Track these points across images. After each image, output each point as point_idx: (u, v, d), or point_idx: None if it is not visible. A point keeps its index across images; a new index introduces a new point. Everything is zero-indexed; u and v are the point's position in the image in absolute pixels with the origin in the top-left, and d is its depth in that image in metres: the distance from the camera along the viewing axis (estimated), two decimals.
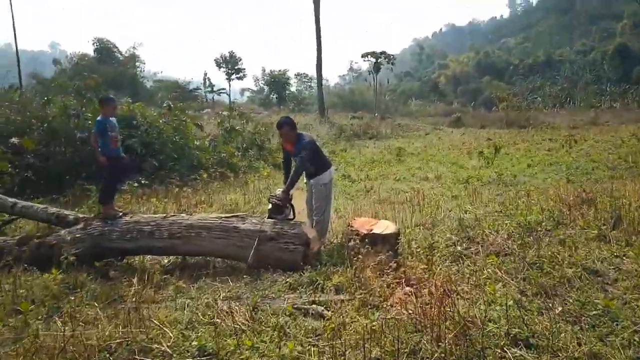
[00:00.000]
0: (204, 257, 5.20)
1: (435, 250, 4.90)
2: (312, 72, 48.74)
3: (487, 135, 27.79)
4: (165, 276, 4.64)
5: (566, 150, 17.93)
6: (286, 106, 48.96)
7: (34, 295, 4.14)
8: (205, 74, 55.18)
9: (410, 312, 3.27)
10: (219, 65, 56.60)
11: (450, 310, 3.11)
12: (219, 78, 59.49)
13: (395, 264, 4.10)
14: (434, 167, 15.20)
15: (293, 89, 57.62)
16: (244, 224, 4.87)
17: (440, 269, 4.18)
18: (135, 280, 4.56)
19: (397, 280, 3.89)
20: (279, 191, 5.26)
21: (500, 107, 42.25)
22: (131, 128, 11.88)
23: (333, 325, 3.11)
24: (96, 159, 5.38)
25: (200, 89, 54.43)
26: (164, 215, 5.18)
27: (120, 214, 5.32)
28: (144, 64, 51.01)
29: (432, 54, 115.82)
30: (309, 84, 69.67)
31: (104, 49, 54.35)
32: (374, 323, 3.00)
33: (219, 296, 4.08)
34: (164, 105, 13.31)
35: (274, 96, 52.73)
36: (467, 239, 5.59)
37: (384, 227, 4.47)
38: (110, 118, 5.49)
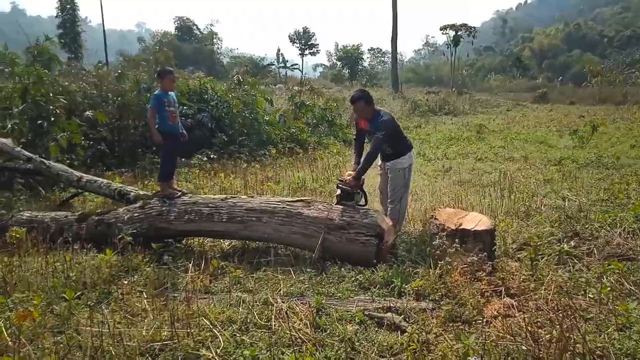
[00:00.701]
0: (266, 243, 4.72)
1: (538, 249, 4.08)
2: (386, 47, 47.17)
3: (577, 111, 25.38)
4: (223, 263, 4.21)
5: None
6: (358, 81, 47.82)
7: (85, 277, 3.86)
8: (279, 50, 55.31)
9: (515, 334, 2.55)
10: (292, 41, 56.44)
11: (573, 338, 2.36)
12: (292, 54, 59.43)
13: (490, 267, 3.35)
14: (520, 146, 13.84)
15: (366, 64, 56.19)
16: (309, 209, 4.30)
17: (548, 275, 3.37)
18: (190, 266, 4.18)
19: (493, 289, 3.16)
20: (348, 175, 4.64)
21: (594, 82, 38.57)
22: (202, 102, 11.73)
23: (415, 346, 2.46)
24: (153, 136, 5.00)
25: (274, 64, 54.61)
26: (225, 196, 4.73)
27: (179, 193, 4.95)
28: (222, 40, 51.99)
29: (516, 27, 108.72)
30: (382, 59, 67.79)
31: (184, 27, 56.07)
32: (467, 348, 2.33)
33: (279, 291, 3.57)
34: (233, 78, 13.01)
35: (346, 71, 51.70)
36: (573, 235, 4.67)
37: (476, 221, 3.70)
38: (169, 92, 5.08)
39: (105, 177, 8.39)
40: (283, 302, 3.34)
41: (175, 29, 55.15)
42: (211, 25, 55.46)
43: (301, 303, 3.33)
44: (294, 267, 4.06)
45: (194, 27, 57.36)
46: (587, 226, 4.97)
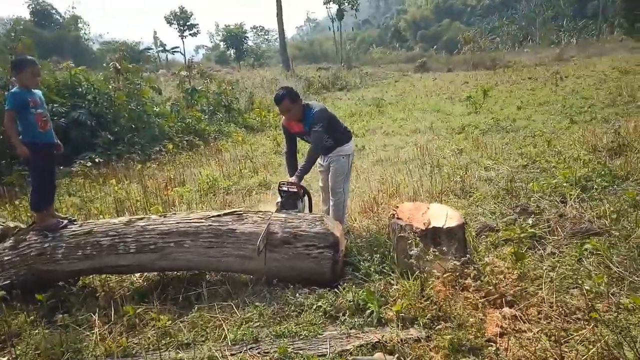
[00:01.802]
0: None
1: (500, 235, 3.72)
2: (268, 25, 46.08)
3: (459, 78, 26.78)
4: (139, 307, 3.27)
5: (550, 88, 17.08)
6: (245, 61, 46.23)
7: None
8: (155, 33, 51.37)
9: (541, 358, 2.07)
10: (169, 22, 52.63)
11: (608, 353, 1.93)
12: (171, 36, 55.74)
13: (474, 271, 2.86)
14: (420, 116, 13.98)
15: (250, 43, 54.45)
16: (242, 224, 3.49)
17: (534, 269, 2.98)
18: (96, 318, 3.19)
19: (485, 298, 2.68)
20: (290, 178, 3.95)
21: (467, 49, 41.19)
22: (76, 97, 10.00)
23: None
24: (17, 150, 3.66)
25: (152, 48, 50.66)
26: (128, 218, 3.71)
27: (64, 222, 3.80)
28: (88, 25, 46.98)
29: (390, 0, 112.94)
30: (266, 37, 66.50)
31: (41, 11, 49.75)
32: None
33: (225, 340, 2.77)
34: (109, 65, 11.29)
35: (232, 52, 49.70)
36: (521, 211, 4.42)
37: (443, 215, 3.19)
38: (33, 90, 3.81)
39: None
40: (234, 356, 2.56)
41: (30, 14, 48.58)
42: (73, 7, 49.78)
43: (258, 353, 2.58)
44: (234, 300, 3.25)
45: (53, 11, 51.02)
46: (530, 199, 4.78)
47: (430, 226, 3.05)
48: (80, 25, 53.38)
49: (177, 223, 3.56)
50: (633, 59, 23.20)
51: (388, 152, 9.02)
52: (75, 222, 3.85)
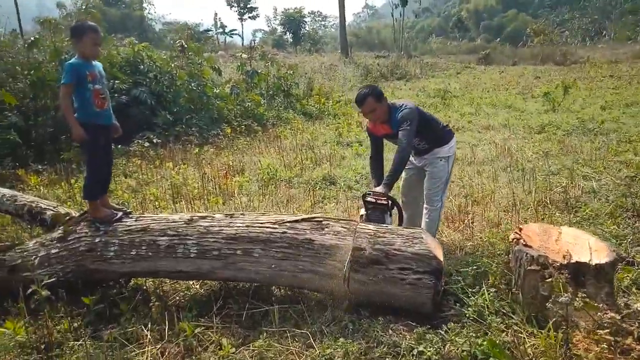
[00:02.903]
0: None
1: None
2: (326, 11, 45.25)
3: (529, 72, 25.12)
4: (197, 323, 2.77)
5: (637, 88, 15.55)
6: (302, 46, 45.66)
7: None
8: (216, 15, 51.76)
9: None
10: (230, 4, 52.82)
11: None
12: (230, 19, 56.04)
13: (637, 324, 2.15)
14: (491, 112, 12.96)
15: (308, 28, 53.76)
16: (322, 234, 2.90)
17: None
18: (147, 333, 2.71)
19: None
20: (376, 188, 3.33)
21: (537, 42, 38.80)
22: (137, 74, 9.75)
23: None
24: (72, 130, 3.17)
25: (212, 30, 51.02)
26: (190, 216, 3.20)
27: (119, 214, 3.35)
28: (153, 5, 47.98)
29: None
30: (323, 23, 65.67)
31: None
32: None
33: None
34: (176, 44, 10.98)
35: (289, 36, 49.29)
36: None
37: (585, 246, 2.45)
38: (93, 62, 3.31)
39: (15, 178, 6.56)
40: None
41: None
42: None
43: None
44: (309, 326, 2.69)
45: None
46: None
47: (573, 260, 2.34)
48: (145, 5, 54.63)
49: (247, 227, 3.00)
50: None
51: (461, 150, 8.20)
52: (130, 215, 3.38)
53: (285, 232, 2.93)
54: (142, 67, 9.94)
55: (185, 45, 10.48)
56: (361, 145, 8.63)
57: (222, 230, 3.02)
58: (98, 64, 3.36)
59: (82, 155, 4.09)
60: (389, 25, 51.53)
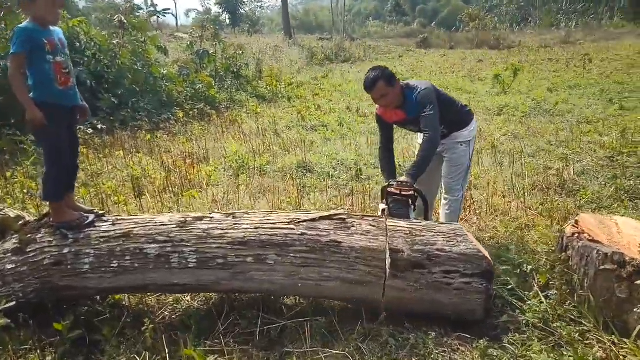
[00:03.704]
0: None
1: None
2: None
3: (472, 56, 25.71)
4: (205, 349, 2.28)
5: (575, 71, 16.23)
6: (241, 27, 44.08)
7: None
8: None
9: None
10: None
11: None
12: None
13: None
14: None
15: (247, 8, 51.97)
16: (349, 234, 2.48)
17: None
18: None
19: None
20: (401, 178, 2.91)
21: (472, 27, 39.88)
22: (74, 53, 8.68)
23: None
24: (27, 111, 2.49)
25: (143, 8, 47.99)
26: (183, 218, 2.64)
27: (90, 216, 2.72)
28: None
29: None
30: (259, 4, 63.97)
31: None
32: None
33: None
34: (114, 19, 9.87)
35: (227, 17, 47.46)
36: None
37: None
38: (51, 28, 2.63)
39: None
40: None
41: None
42: None
43: None
44: (343, 345, 2.27)
45: None
46: None
47: None
48: None
49: (256, 229, 2.52)
50: None
51: None
52: (105, 218, 2.78)
53: (304, 234, 2.48)
54: (78, 44, 8.88)
55: (125, 22, 9.48)
56: (327, 130, 8.24)
57: (227, 233, 2.52)
58: (58, 30, 2.67)
59: (39, 144, 3.35)
60: (326, 8, 51.18)
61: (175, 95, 9.62)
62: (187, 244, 2.50)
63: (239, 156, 6.13)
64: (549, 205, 4.11)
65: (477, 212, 3.98)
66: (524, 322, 2.33)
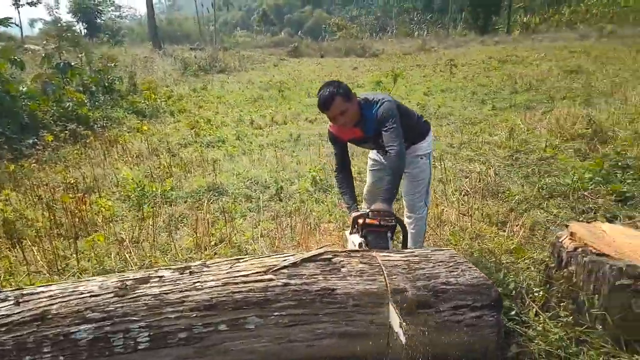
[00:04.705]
0: None
1: None
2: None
3: (347, 63, 26.67)
4: None
5: (442, 76, 17.58)
6: (100, 38, 40.47)
7: None
8: None
9: None
10: None
11: None
12: (1, 5, 46.59)
13: None
14: None
15: (105, 17, 47.85)
16: (340, 277, 2.05)
17: None
18: None
19: None
20: (378, 206, 2.54)
21: (339, 36, 41.59)
22: None
23: None
24: None
25: None
26: (120, 282, 1.98)
27: None
28: None
29: None
30: (117, 13, 59.76)
31: None
32: None
33: None
34: None
35: (83, 26, 43.26)
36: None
37: None
38: None
39: None
40: None
41: None
42: None
43: None
44: None
45: None
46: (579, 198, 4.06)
47: None
48: None
49: (224, 285, 1.97)
50: (496, 50, 25.09)
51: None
52: (5, 295, 1.99)
53: (287, 284, 2.00)
54: None
55: None
56: (226, 145, 7.64)
57: (187, 297, 1.93)
58: None
59: None
60: (191, 18, 49.57)
61: (39, 116, 8.19)
62: (133, 318, 1.87)
63: (136, 183, 5.29)
64: (483, 210, 4.10)
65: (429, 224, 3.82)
66: (536, 351, 2.13)
